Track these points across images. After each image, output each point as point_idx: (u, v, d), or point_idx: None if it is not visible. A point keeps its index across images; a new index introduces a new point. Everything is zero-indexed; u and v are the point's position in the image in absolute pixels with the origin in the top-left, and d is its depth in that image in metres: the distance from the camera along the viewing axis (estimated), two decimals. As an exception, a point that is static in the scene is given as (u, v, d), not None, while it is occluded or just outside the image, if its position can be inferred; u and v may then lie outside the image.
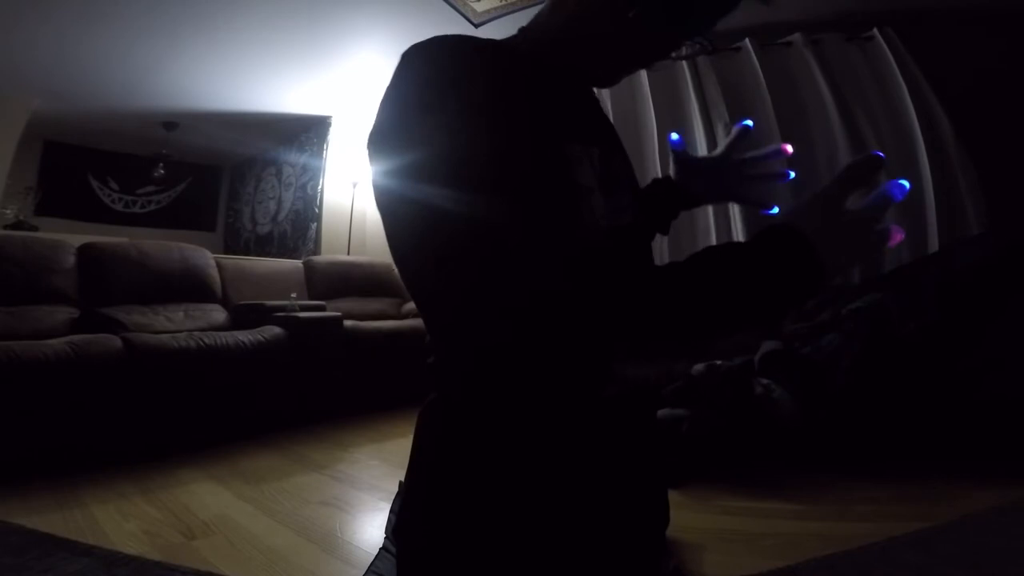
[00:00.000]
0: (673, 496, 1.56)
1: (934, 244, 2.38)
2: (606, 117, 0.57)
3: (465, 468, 0.45)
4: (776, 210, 0.65)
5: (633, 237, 0.51)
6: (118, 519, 1.42)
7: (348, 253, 4.10)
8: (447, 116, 0.38)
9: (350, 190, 4.27)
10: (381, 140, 0.42)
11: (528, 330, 0.37)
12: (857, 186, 0.40)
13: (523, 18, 0.60)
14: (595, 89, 0.58)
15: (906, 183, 0.38)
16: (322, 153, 4.31)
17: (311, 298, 3.18)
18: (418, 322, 2.89)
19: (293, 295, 2.91)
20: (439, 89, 0.40)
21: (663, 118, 2.77)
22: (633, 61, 0.50)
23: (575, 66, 0.50)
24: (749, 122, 0.64)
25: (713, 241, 2.65)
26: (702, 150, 2.62)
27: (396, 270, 0.46)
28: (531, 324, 0.37)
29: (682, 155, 0.67)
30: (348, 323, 2.71)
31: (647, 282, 0.37)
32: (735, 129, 0.64)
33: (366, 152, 0.43)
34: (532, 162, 0.39)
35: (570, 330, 0.36)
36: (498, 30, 2.76)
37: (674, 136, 0.68)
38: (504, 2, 2.70)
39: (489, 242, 0.37)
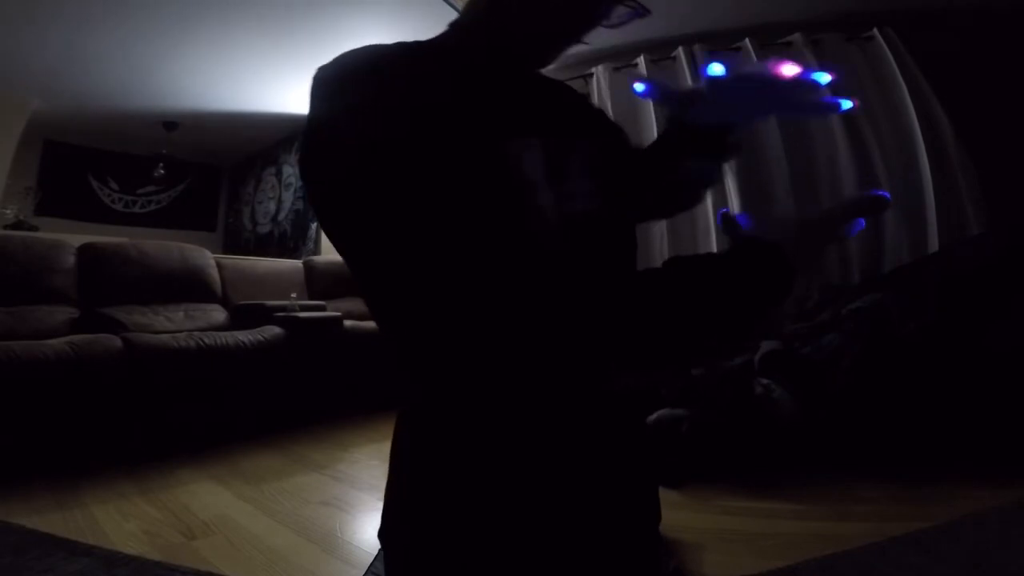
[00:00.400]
0: (673, 496, 1.58)
1: (934, 244, 2.38)
2: (569, 99, 0.52)
3: (442, 468, 0.45)
4: (849, 104, 0.49)
5: (596, 226, 0.46)
6: (118, 519, 1.42)
7: (348, 253, 4.10)
8: (360, 143, 0.38)
9: (350, 190, 4.27)
10: (305, 168, 0.43)
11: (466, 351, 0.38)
12: (854, 220, 0.40)
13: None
14: (596, 85, 0.56)
15: (863, 222, 0.40)
16: (322, 153, 4.31)
17: (311, 298, 3.18)
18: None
19: (293, 295, 2.91)
20: (345, 121, 0.39)
21: (663, 118, 2.77)
22: (563, 32, 0.47)
23: (508, 50, 0.48)
24: (718, 68, 0.51)
25: (713, 240, 2.65)
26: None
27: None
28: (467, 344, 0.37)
29: (666, 95, 0.56)
30: (348, 323, 2.71)
31: (582, 295, 0.36)
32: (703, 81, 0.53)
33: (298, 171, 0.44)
34: (450, 178, 0.38)
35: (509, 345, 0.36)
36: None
37: (639, 87, 0.56)
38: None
39: (416, 269, 0.37)
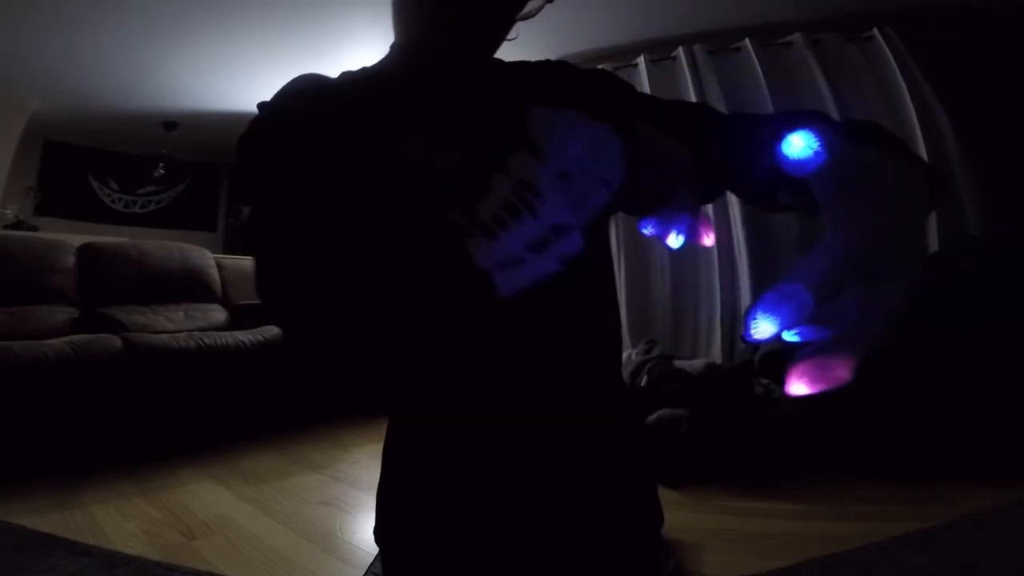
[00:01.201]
0: (673, 496, 1.57)
1: (934, 244, 2.38)
2: (517, 101, 0.49)
3: (429, 468, 0.45)
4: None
5: None
6: (118, 519, 1.42)
7: (348, 253, 4.09)
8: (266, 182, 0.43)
9: (350, 190, 4.27)
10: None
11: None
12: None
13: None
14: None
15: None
16: (322, 153, 4.31)
17: (311, 298, 3.17)
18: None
19: (293, 295, 2.90)
20: (251, 153, 0.46)
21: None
22: (486, 25, 0.46)
23: (445, 53, 0.47)
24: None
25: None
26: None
27: None
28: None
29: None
30: (348, 323, 2.71)
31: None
32: None
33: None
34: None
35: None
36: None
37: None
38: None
39: None
